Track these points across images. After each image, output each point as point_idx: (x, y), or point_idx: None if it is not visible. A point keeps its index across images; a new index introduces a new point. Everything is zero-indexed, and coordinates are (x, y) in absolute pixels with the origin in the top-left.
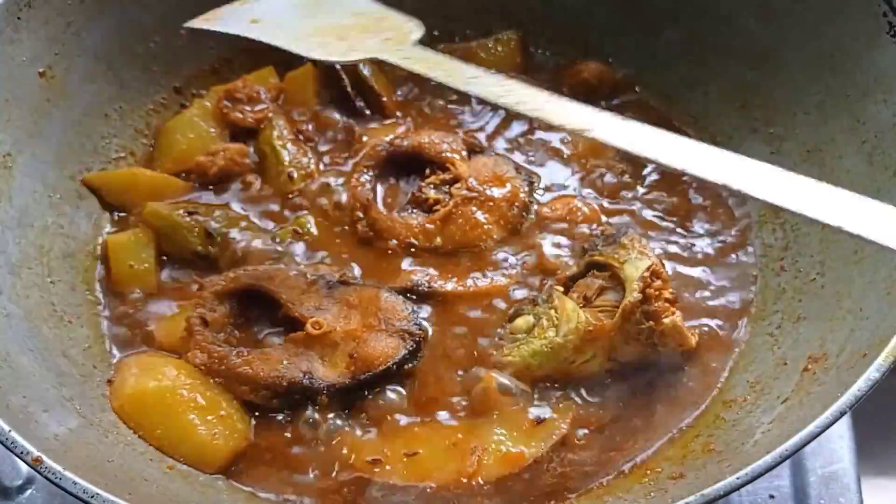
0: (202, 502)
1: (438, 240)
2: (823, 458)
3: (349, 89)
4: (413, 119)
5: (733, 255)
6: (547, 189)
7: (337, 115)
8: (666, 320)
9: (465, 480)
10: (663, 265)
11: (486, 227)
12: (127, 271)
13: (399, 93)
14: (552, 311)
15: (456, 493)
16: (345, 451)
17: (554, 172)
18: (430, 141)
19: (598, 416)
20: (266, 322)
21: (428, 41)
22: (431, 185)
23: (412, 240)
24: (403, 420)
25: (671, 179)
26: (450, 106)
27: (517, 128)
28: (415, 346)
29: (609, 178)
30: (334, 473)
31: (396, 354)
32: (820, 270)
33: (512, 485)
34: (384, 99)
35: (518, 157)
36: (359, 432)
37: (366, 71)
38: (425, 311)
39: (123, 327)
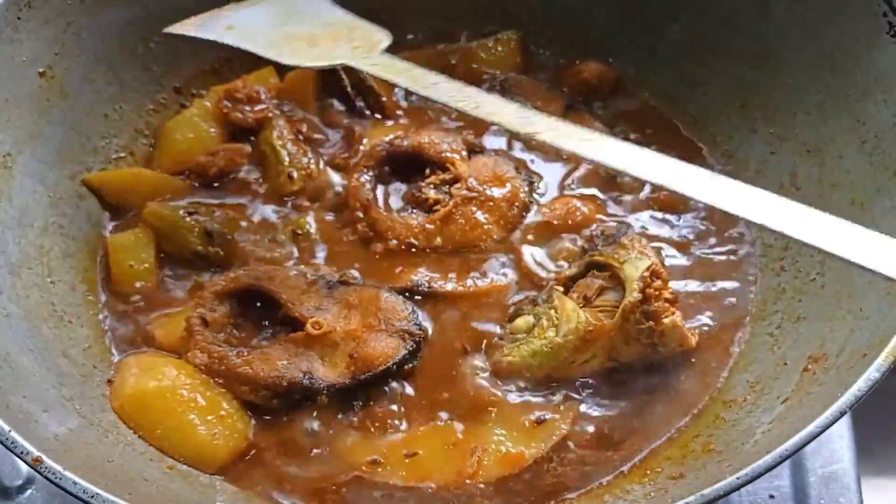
0: (202, 502)
1: (438, 240)
2: (823, 458)
3: (349, 89)
4: (413, 119)
5: (733, 255)
6: (549, 187)
7: (337, 116)
8: (666, 320)
9: (465, 481)
10: (663, 265)
11: (486, 227)
12: (127, 271)
13: (399, 93)
14: (552, 311)
15: (456, 493)
16: (344, 451)
17: (554, 172)
18: (430, 141)
19: (598, 416)
20: (266, 322)
21: (428, 41)
22: (431, 185)
23: (412, 240)
24: (403, 420)
25: None
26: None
27: None
28: (415, 346)
29: (609, 177)
30: (334, 474)
31: (396, 354)
32: (820, 270)
33: (512, 485)
34: (384, 99)
35: (518, 157)
36: (358, 432)
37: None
38: (425, 311)
39: (123, 327)
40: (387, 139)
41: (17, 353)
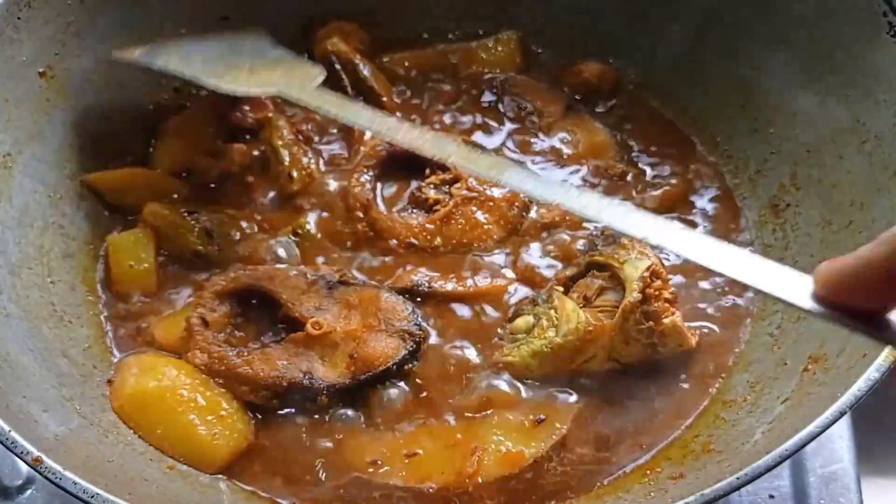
0: (202, 502)
1: (438, 240)
2: (823, 458)
3: (349, 90)
4: (413, 119)
5: None
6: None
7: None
8: (666, 320)
9: (465, 481)
10: (663, 265)
11: (486, 227)
12: (127, 271)
13: (398, 92)
14: (552, 312)
15: (456, 493)
16: (344, 451)
17: (553, 172)
18: None
19: (597, 416)
20: (266, 322)
21: (428, 41)
22: (431, 185)
23: (412, 240)
24: (403, 421)
25: (672, 180)
26: (450, 106)
27: (520, 128)
28: (415, 346)
29: (609, 177)
30: (334, 474)
31: (396, 355)
32: None
33: (512, 485)
34: (384, 99)
35: (518, 157)
36: (358, 433)
37: (365, 71)
38: (425, 311)
39: (123, 327)
40: (387, 140)
41: (17, 353)
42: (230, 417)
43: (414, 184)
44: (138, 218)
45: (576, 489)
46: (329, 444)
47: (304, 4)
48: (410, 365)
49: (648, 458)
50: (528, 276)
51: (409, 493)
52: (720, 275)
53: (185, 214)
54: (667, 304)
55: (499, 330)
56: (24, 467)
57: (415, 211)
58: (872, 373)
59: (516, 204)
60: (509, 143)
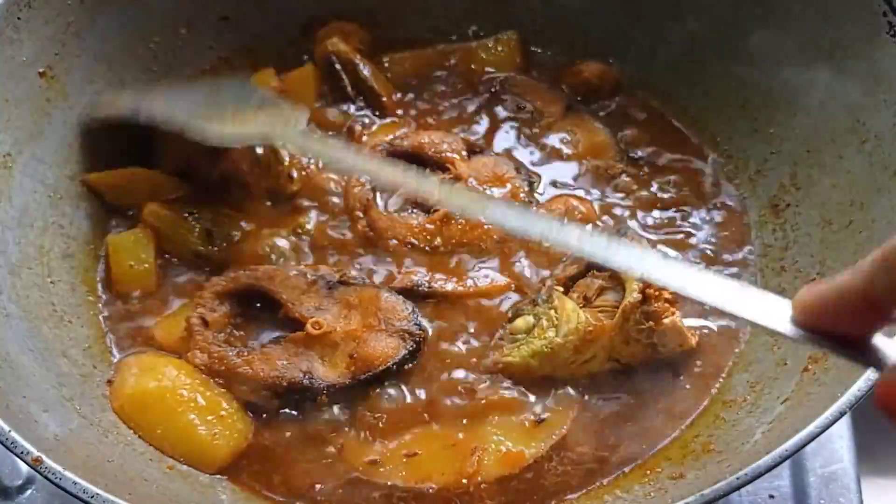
0: (202, 502)
1: (438, 240)
2: (823, 458)
3: (349, 89)
4: (414, 119)
5: (733, 255)
6: (548, 187)
7: (338, 115)
8: (666, 321)
9: (465, 481)
10: None
11: (485, 227)
12: (127, 271)
13: (399, 93)
14: (552, 312)
15: (457, 493)
16: (344, 451)
17: (554, 172)
18: (431, 141)
19: (598, 416)
20: (266, 322)
21: (427, 41)
22: None
23: (412, 240)
24: (402, 421)
25: (672, 180)
26: (450, 106)
27: (520, 128)
28: (415, 346)
29: (609, 177)
30: (333, 474)
31: (396, 355)
32: (820, 270)
33: (513, 485)
34: (384, 99)
35: (518, 157)
36: (358, 433)
37: (365, 71)
38: (425, 311)
39: (123, 327)
40: (387, 139)
41: (17, 353)
42: (230, 417)
43: None
44: (138, 218)
45: (576, 489)
46: (329, 445)
47: (303, 4)
48: (410, 365)
49: (648, 458)
50: (528, 277)
51: (410, 494)
52: (702, 303)
53: (186, 215)
54: (667, 304)
55: (499, 330)
56: (24, 467)
57: (415, 211)
58: (872, 373)
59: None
60: (509, 144)
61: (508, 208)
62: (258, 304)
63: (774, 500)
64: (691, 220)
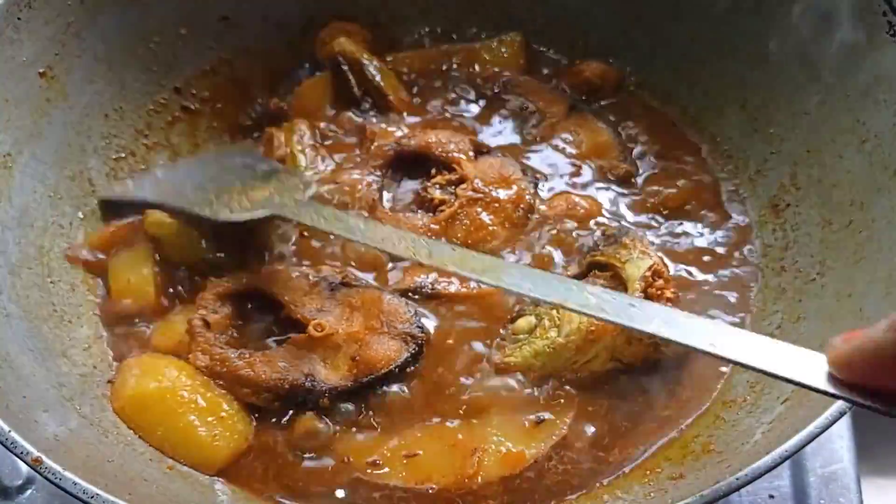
0: (202, 502)
1: (443, 240)
2: (823, 458)
3: (355, 90)
4: (421, 118)
5: (733, 255)
6: (551, 187)
7: (351, 117)
8: None
9: (465, 482)
10: (665, 264)
11: (490, 228)
12: (125, 287)
13: (407, 92)
14: (554, 312)
15: (458, 493)
16: (344, 452)
17: (556, 171)
18: (438, 140)
19: (598, 416)
20: (268, 324)
21: (428, 42)
22: (437, 186)
23: None
24: (403, 421)
25: (673, 180)
26: (453, 106)
27: (523, 128)
28: (417, 348)
29: (611, 177)
30: (334, 475)
31: (399, 357)
32: (820, 270)
33: (513, 485)
34: (390, 98)
35: (520, 157)
36: (358, 434)
37: (372, 70)
38: (428, 311)
39: (123, 328)
40: (394, 139)
41: (17, 353)
42: (230, 419)
43: (420, 183)
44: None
45: (577, 489)
46: (329, 445)
47: (303, 5)
48: (413, 367)
49: (648, 458)
50: None
51: (410, 494)
52: (733, 363)
53: (189, 222)
54: (669, 303)
55: (501, 331)
56: (24, 467)
57: (420, 211)
58: None
59: (521, 206)
60: (512, 143)
61: (524, 273)
62: (260, 306)
63: (774, 500)
64: (692, 219)
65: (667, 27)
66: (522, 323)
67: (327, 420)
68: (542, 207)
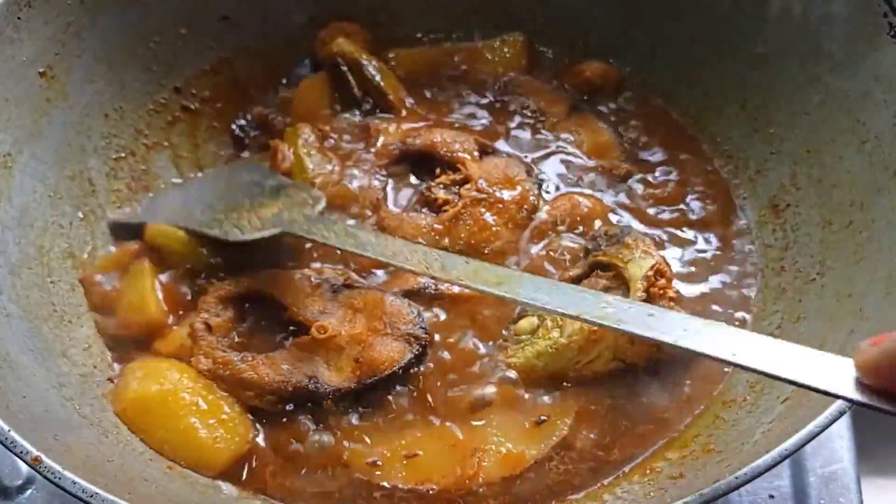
0: (202, 502)
1: (446, 240)
2: (823, 458)
3: (355, 90)
4: (422, 118)
5: (733, 255)
6: (553, 187)
7: (352, 116)
8: None
9: (465, 482)
10: (668, 264)
11: (493, 228)
12: (128, 307)
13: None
14: None
15: (459, 493)
16: (345, 453)
17: (558, 171)
18: (443, 140)
19: (598, 416)
20: (271, 326)
21: (428, 42)
22: (441, 186)
23: (420, 240)
24: (404, 422)
25: (674, 180)
26: (454, 105)
27: (524, 128)
28: (420, 350)
29: (613, 177)
30: (334, 475)
31: (402, 359)
32: (820, 270)
33: (513, 485)
34: (391, 97)
35: (522, 157)
36: (358, 434)
37: (372, 70)
38: (430, 312)
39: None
40: (399, 139)
41: (17, 353)
42: (231, 421)
43: (424, 183)
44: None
45: (577, 488)
46: (329, 446)
47: (303, 5)
48: (416, 369)
49: (648, 457)
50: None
51: (411, 494)
52: (756, 373)
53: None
54: (671, 303)
55: (503, 331)
56: (24, 467)
57: (424, 211)
58: None
59: (525, 206)
60: (515, 143)
61: (539, 284)
62: (263, 308)
63: (774, 499)
64: (693, 218)
65: (667, 27)
66: (525, 324)
67: (328, 421)
68: (549, 207)
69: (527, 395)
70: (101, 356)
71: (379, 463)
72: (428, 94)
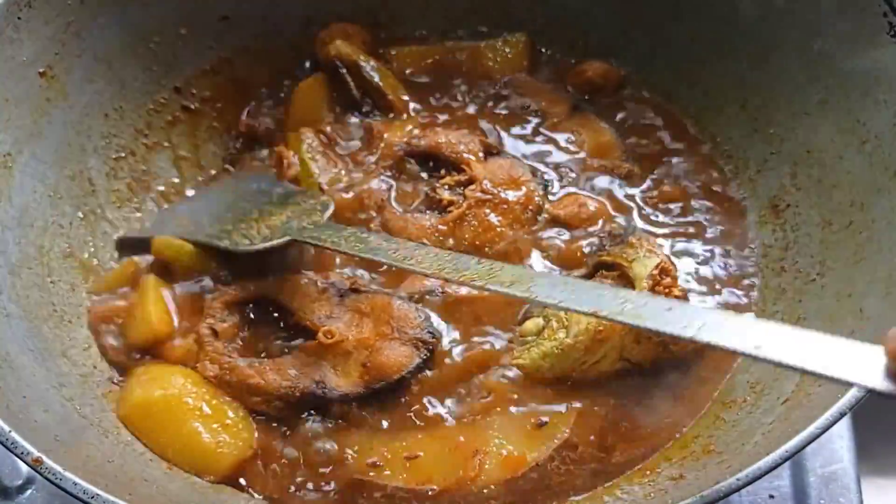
0: (202, 503)
1: (451, 241)
2: (823, 458)
3: (354, 92)
4: (423, 118)
5: (733, 255)
6: (555, 187)
7: (354, 118)
8: None
9: (466, 484)
10: (672, 262)
11: (498, 229)
12: (137, 327)
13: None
14: (562, 313)
15: (460, 495)
16: (345, 454)
17: (560, 171)
18: (448, 141)
19: (599, 417)
20: (277, 331)
21: (430, 42)
22: (446, 186)
23: (424, 241)
24: (405, 423)
25: (675, 180)
26: (455, 105)
27: (525, 128)
28: (428, 354)
29: (614, 176)
30: (334, 476)
31: (410, 363)
32: (820, 270)
33: (515, 486)
34: (390, 98)
35: (523, 157)
36: (359, 435)
37: (370, 70)
38: (436, 314)
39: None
40: (404, 139)
41: (17, 353)
42: (235, 426)
43: (429, 183)
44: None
45: (578, 489)
46: (330, 446)
47: (303, 5)
48: (424, 373)
49: (649, 458)
50: None
51: (411, 495)
52: (782, 366)
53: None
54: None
55: (509, 333)
56: (24, 467)
57: (428, 211)
58: None
59: (530, 207)
60: (518, 143)
61: (554, 281)
62: (269, 313)
63: (774, 500)
64: (694, 218)
65: (667, 27)
66: (530, 325)
67: (331, 423)
68: (554, 207)
69: (529, 397)
70: (101, 356)
71: (380, 464)
72: (428, 95)
